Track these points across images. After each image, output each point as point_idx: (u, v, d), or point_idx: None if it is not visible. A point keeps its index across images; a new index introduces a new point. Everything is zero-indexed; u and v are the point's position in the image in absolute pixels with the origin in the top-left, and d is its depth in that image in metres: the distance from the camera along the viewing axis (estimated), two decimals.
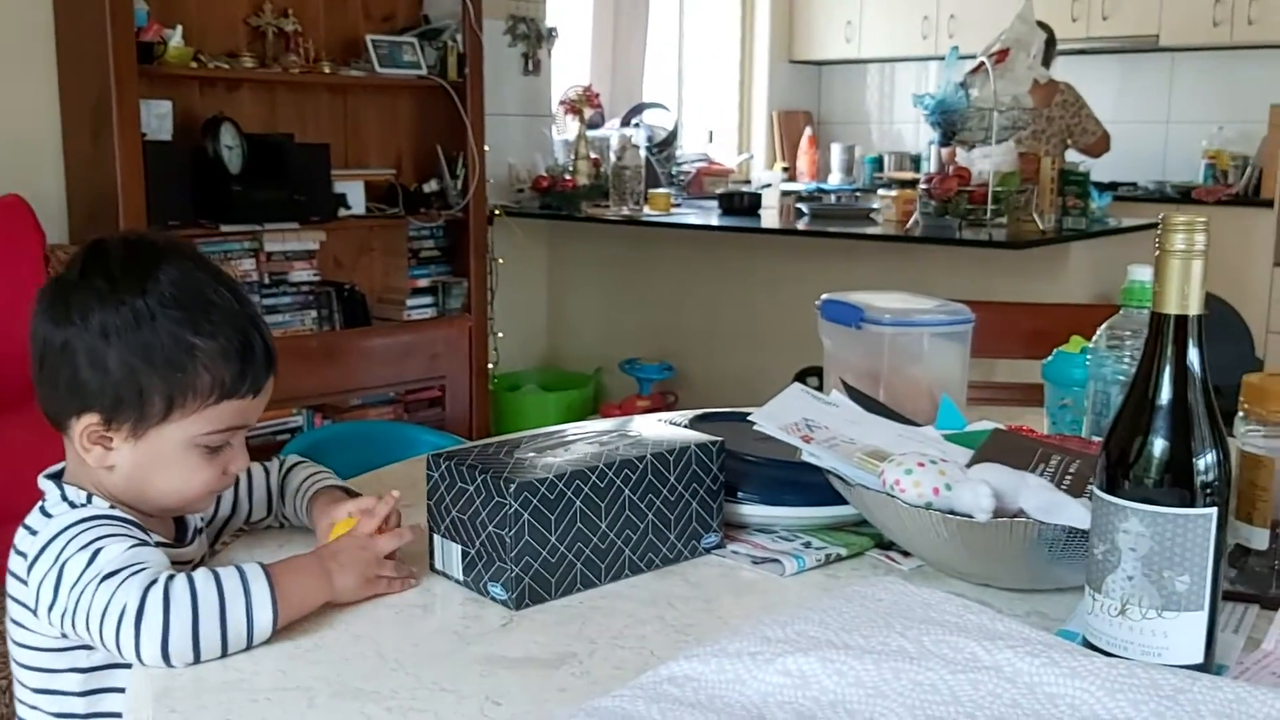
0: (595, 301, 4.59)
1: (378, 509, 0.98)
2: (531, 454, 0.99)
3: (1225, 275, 5.35)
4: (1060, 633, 0.84)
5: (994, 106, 3.21)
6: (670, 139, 5.28)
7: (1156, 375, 0.77)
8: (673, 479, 1.01)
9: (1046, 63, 4.55)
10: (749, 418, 1.06)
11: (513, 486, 0.91)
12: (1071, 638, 0.81)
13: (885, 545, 1.05)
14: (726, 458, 1.07)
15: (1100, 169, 5.62)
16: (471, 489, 0.95)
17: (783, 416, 1.07)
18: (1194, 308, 0.77)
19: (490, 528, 0.93)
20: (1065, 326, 1.36)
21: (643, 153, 4.60)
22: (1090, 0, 5.88)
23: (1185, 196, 5.64)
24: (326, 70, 3.41)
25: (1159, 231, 0.77)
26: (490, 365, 3.93)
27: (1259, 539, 0.93)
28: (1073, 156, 4.83)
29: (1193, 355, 0.76)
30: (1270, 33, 5.32)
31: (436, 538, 0.99)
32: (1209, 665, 0.77)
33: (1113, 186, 5.86)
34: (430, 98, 3.72)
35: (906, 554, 1.02)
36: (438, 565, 0.99)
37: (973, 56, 3.71)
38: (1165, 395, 0.76)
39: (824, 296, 1.40)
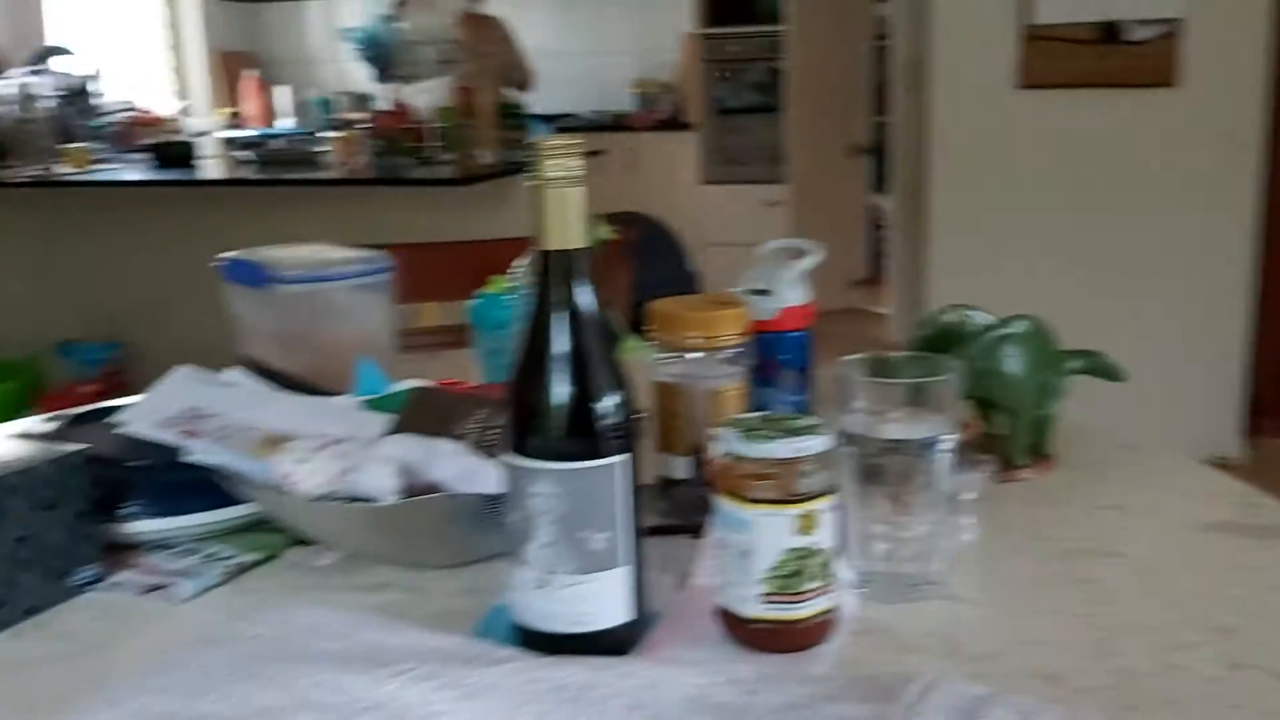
0: (18, 278, 3.96)
1: None
2: None
3: (659, 196, 5.77)
4: (495, 609, 0.77)
5: (424, 39, 3.12)
6: (85, 87, 4.66)
7: (547, 319, 0.69)
8: (17, 508, 0.80)
9: None
10: (113, 419, 0.87)
11: None
12: (504, 613, 0.74)
13: (305, 540, 0.91)
14: (102, 467, 0.87)
15: (540, 101, 5.79)
16: None
17: (162, 410, 0.89)
18: (577, 240, 0.70)
19: None
20: (512, 261, 1.28)
21: (50, 104, 4.01)
22: None
23: (619, 124, 5.98)
24: None
25: (532, 159, 0.69)
26: None
27: (682, 468, 0.91)
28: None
29: (582, 293, 0.70)
30: None
31: None
32: (641, 620, 0.72)
33: (554, 118, 6.07)
34: None
35: None
36: None
37: None
38: (557, 340, 0.69)
39: (223, 256, 1.22)
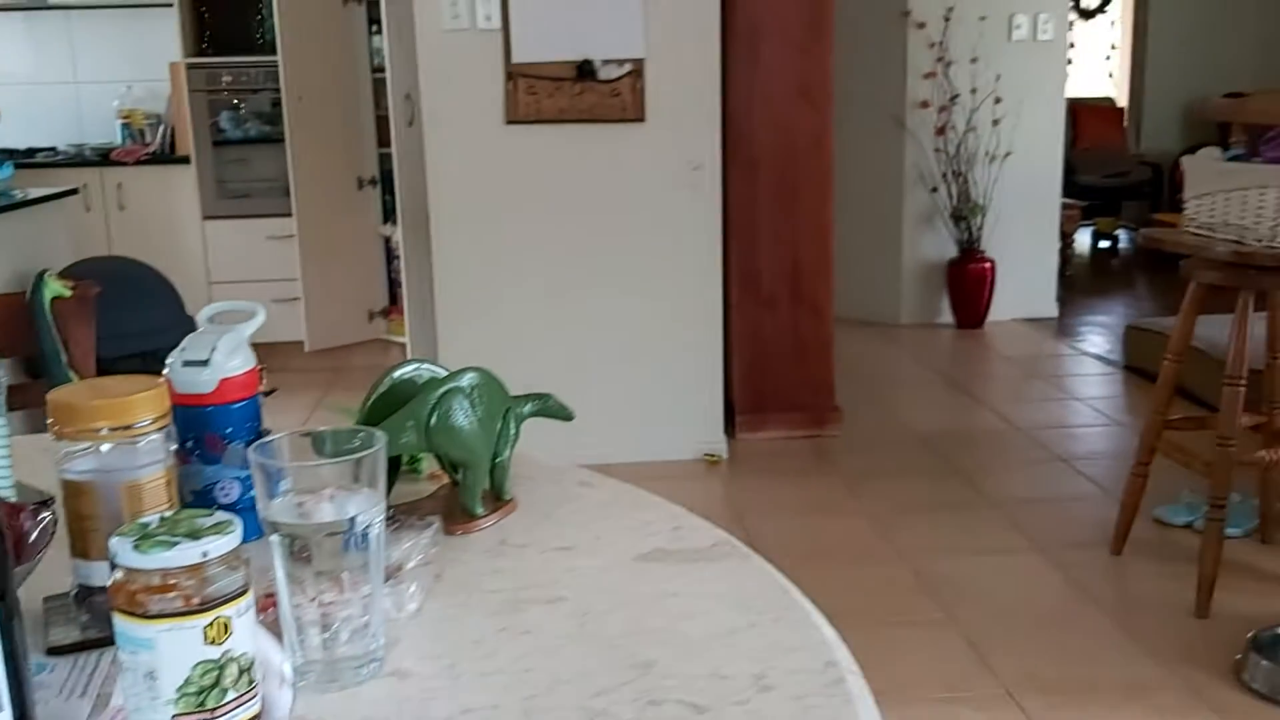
0: None
1: None
2: None
3: (155, 234, 5.39)
4: None
5: None
6: None
7: None
8: None
9: None
10: None
11: None
12: None
13: None
14: None
15: (13, 134, 5.22)
16: None
17: None
18: None
19: None
20: None
21: None
22: None
23: (105, 158, 5.51)
24: None
25: None
26: None
27: (99, 574, 0.82)
28: None
29: None
30: None
31: None
32: None
33: (30, 153, 5.51)
34: None
35: None
36: None
37: None
38: None
39: None
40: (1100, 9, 10.11)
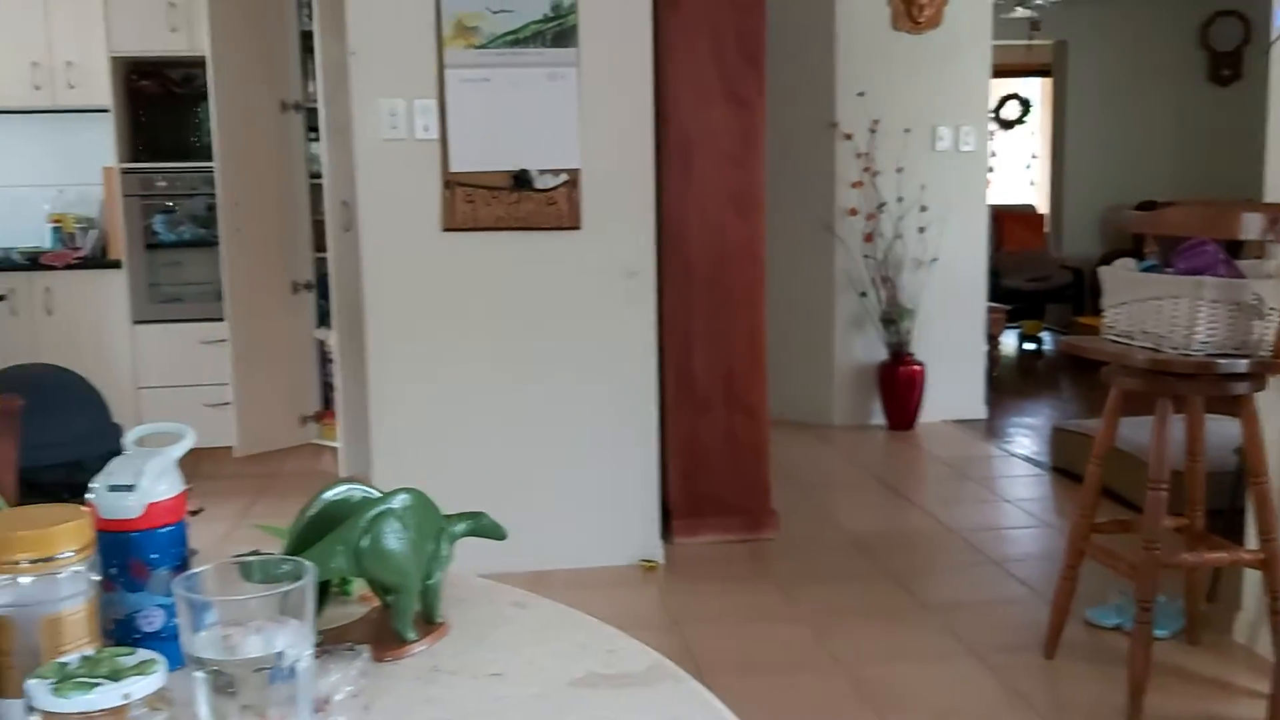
0: None
1: None
2: None
3: (86, 339, 5.31)
4: None
5: None
6: None
7: None
8: None
9: None
10: None
11: None
12: None
13: None
14: None
15: None
16: None
17: None
18: None
19: None
20: None
21: None
22: None
23: (35, 262, 5.44)
24: None
25: None
26: None
27: (15, 714, 0.79)
28: None
29: None
30: (91, 97, 5.37)
31: None
32: None
33: None
34: None
35: None
36: None
37: None
38: None
39: None
40: (1020, 120, 10.53)
